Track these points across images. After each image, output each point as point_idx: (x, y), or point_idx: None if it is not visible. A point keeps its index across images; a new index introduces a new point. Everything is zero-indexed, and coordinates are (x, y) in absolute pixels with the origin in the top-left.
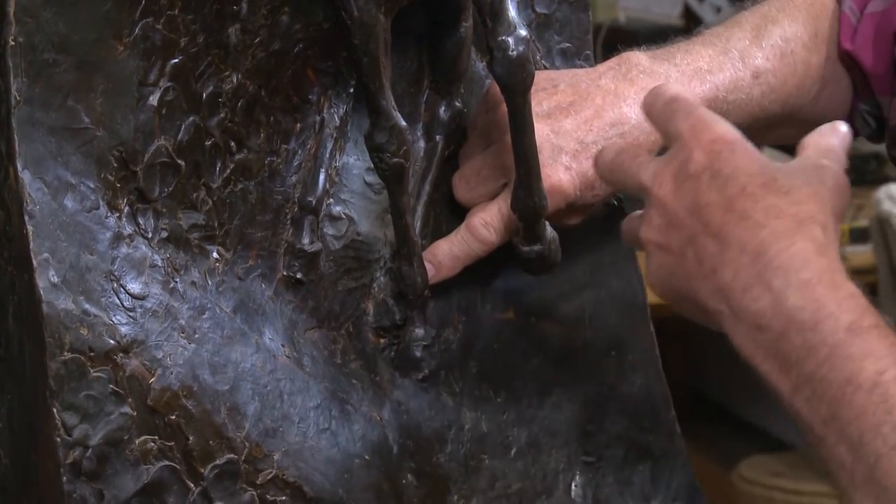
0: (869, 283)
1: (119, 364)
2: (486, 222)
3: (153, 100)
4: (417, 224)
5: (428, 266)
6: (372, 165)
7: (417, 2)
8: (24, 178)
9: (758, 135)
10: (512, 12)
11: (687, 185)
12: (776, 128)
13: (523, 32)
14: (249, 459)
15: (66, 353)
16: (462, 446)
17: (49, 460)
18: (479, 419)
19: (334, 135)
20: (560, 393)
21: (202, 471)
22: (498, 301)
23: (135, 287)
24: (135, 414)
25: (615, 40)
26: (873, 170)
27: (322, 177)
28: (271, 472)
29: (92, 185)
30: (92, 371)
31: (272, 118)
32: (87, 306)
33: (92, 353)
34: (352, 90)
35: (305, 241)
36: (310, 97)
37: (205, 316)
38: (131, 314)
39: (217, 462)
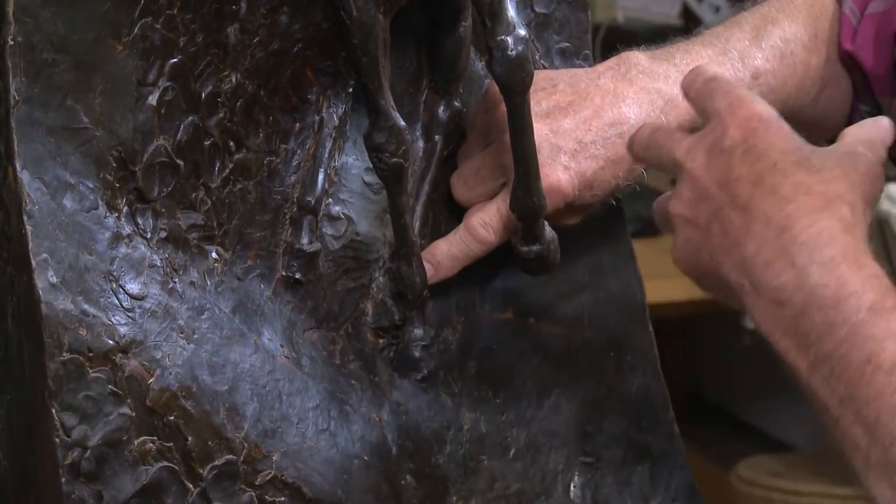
0: None
1: (118, 364)
2: (485, 222)
3: (152, 99)
4: (416, 224)
5: (427, 266)
6: (371, 165)
7: (416, 1)
8: (22, 177)
9: None
10: (511, 12)
11: (719, 160)
12: None
13: (522, 32)
14: (248, 460)
15: (64, 354)
16: (461, 447)
17: (48, 461)
18: (477, 420)
19: (333, 134)
20: (559, 393)
21: (201, 471)
22: (497, 301)
23: (134, 287)
24: (133, 414)
25: (614, 40)
26: None
27: (321, 177)
28: (270, 473)
29: (91, 185)
30: (91, 371)
31: (271, 118)
32: (85, 306)
33: (91, 354)
34: (351, 90)
35: (304, 241)
36: (309, 97)
37: (204, 316)
38: (130, 314)
39: (216, 463)
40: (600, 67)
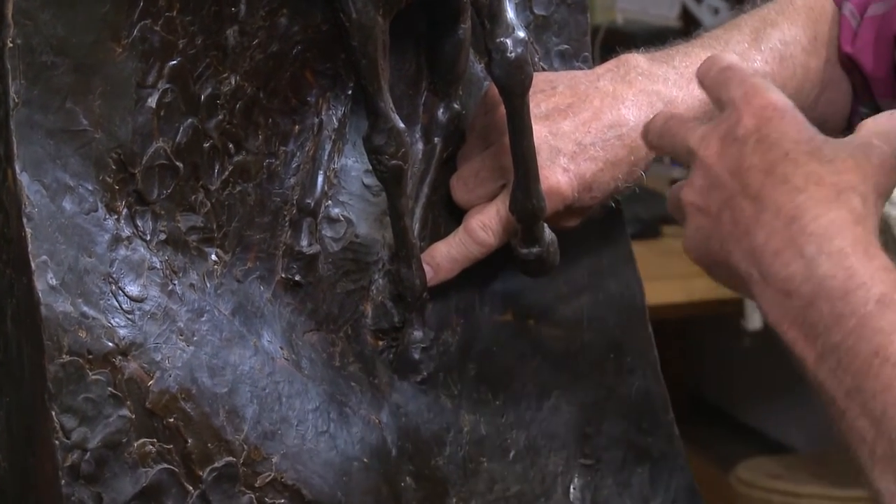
0: None
1: (117, 367)
2: (485, 224)
3: (151, 102)
4: (416, 226)
5: (426, 268)
6: (370, 167)
7: (416, 3)
8: (22, 180)
9: None
10: (510, 14)
11: (732, 148)
12: None
13: (521, 34)
14: (248, 462)
15: (64, 356)
16: (461, 449)
17: (47, 463)
18: (477, 422)
19: (333, 137)
20: (558, 395)
21: (201, 473)
22: (496, 303)
23: (133, 289)
24: (133, 417)
25: (613, 42)
26: None
27: (320, 179)
28: (270, 475)
29: (90, 188)
30: (90, 374)
31: (270, 120)
32: (85, 309)
33: (90, 356)
34: (350, 92)
35: (304, 243)
36: (308, 99)
37: (203, 318)
38: (130, 317)
39: (216, 465)
40: (599, 69)
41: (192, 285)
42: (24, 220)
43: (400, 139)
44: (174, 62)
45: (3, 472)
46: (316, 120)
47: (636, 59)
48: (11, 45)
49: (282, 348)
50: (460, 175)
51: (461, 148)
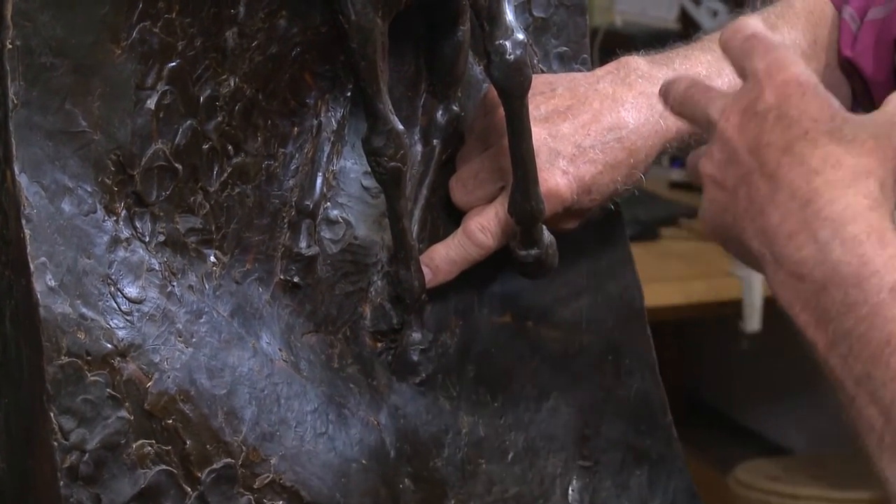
0: None
1: (116, 368)
2: (483, 226)
3: (151, 103)
4: (415, 228)
5: (425, 270)
6: (369, 169)
7: (415, 5)
8: (21, 181)
9: None
10: (509, 16)
11: (752, 123)
12: None
13: (521, 36)
14: (246, 464)
15: (63, 357)
16: (459, 451)
17: (46, 465)
18: (476, 423)
19: (332, 138)
20: (557, 397)
21: (199, 475)
22: (495, 305)
23: (132, 291)
24: (132, 418)
25: (612, 44)
26: None
27: (319, 181)
28: (268, 477)
29: (89, 189)
30: (89, 375)
31: (269, 122)
32: (84, 310)
33: (89, 357)
34: (349, 94)
35: (303, 244)
36: (307, 101)
37: (202, 320)
38: (128, 318)
39: (214, 466)
40: (599, 72)
41: (190, 287)
42: (23, 222)
43: (399, 141)
44: (173, 64)
45: (1, 474)
46: (315, 122)
47: (636, 62)
48: (10, 46)
49: (280, 350)
50: (459, 177)
51: (460, 150)
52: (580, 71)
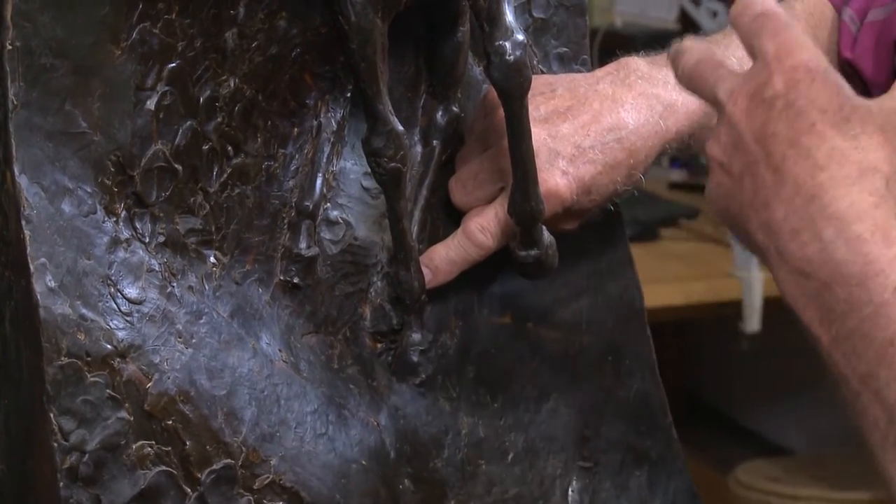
0: None
1: (116, 369)
2: (483, 227)
3: (150, 104)
4: (414, 229)
5: (425, 271)
6: (369, 170)
7: (414, 6)
8: (21, 182)
9: None
10: (509, 17)
11: (760, 109)
12: None
13: (520, 37)
14: (246, 464)
15: (62, 358)
16: (459, 451)
17: (46, 465)
18: (476, 424)
19: (332, 139)
20: (557, 398)
21: (199, 476)
22: (495, 306)
23: (132, 292)
24: (132, 419)
25: (612, 45)
26: None
27: (319, 181)
28: (268, 478)
29: (89, 190)
30: (89, 376)
31: (269, 122)
32: (84, 311)
33: (89, 358)
34: (349, 95)
35: (302, 245)
36: (307, 102)
37: (202, 321)
38: (128, 319)
39: (214, 467)
40: (599, 72)
41: (190, 287)
42: (23, 223)
43: (399, 142)
44: (173, 64)
45: (1, 475)
46: (315, 122)
47: (636, 63)
48: (10, 47)
49: (280, 350)
50: (459, 178)
51: (460, 151)
52: (580, 72)
